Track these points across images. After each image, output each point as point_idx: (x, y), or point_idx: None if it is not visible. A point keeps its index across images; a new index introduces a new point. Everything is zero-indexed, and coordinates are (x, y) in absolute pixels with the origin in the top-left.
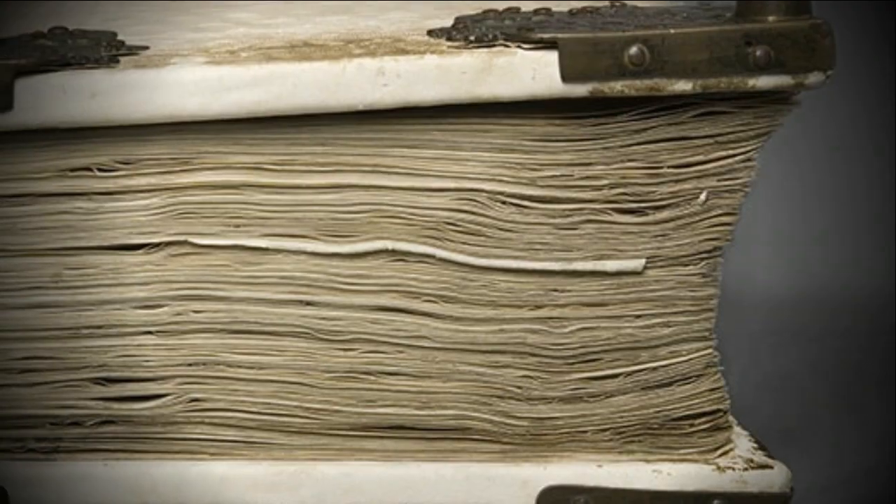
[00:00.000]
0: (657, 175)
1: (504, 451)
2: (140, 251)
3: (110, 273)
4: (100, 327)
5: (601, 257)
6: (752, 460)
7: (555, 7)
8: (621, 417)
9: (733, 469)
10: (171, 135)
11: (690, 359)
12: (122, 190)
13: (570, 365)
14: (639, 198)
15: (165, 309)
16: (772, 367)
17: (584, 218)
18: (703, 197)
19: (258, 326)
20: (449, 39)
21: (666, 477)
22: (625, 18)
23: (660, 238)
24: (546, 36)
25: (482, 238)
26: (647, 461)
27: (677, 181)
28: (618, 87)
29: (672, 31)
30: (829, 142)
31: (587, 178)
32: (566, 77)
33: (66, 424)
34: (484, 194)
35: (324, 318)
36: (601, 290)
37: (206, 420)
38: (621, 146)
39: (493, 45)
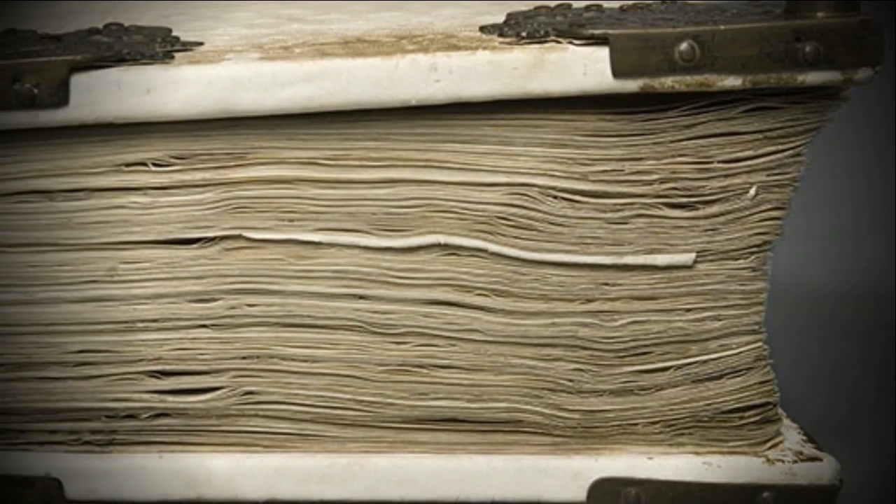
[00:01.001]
0: (707, 170)
1: (555, 444)
2: (195, 245)
3: (165, 267)
4: (155, 321)
5: (652, 251)
6: (801, 453)
7: (606, 3)
8: (671, 410)
9: (783, 461)
10: (225, 130)
11: (740, 352)
12: (177, 185)
13: (620, 358)
14: (689, 192)
15: (220, 303)
16: (821, 360)
17: (634, 212)
18: (752, 192)
19: (312, 320)
20: (501, 35)
21: (716, 469)
22: (675, 14)
23: (710, 232)
24: (597, 32)
25: (534, 232)
26: (698, 454)
27: (727, 176)
28: (668, 82)
29: (722, 27)
30: (879, 136)
31: (638, 172)
32: (617, 73)
33: (122, 417)
34: (535, 189)
35: (377, 312)
36: (652, 284)
37: (260, 413)
38: (671, 141)
39: (545, 41)
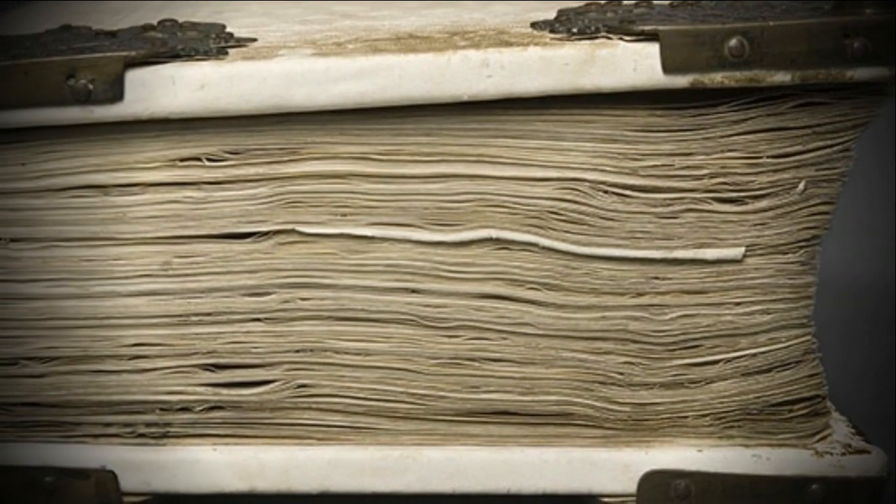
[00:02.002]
0: (756, 165)
1: (606, 437)
2: (248, 240)
3: (219, 261)
4: (209, 314)
5: (701, 245)
6: (849, 445)
7: (656, 0)
8: (721, 403)
9: (831, 454)
10: (278, 125)
11: (789, 345)
12: (231, 179)
13: (670, 351)
14: (738, 187)
15: (273, 296)
16: (869, 354)
17: (684, 207)
18: (801, 186)
19: (364, 314)
20: (552, 31)
21: (765, 462)
22: (724, 11)
23: (759, 227)
24: (647, 28)
25: (584, 227)
26: (747, 446)
27: (776, 171)
28: (718, 78)
29: (771, 23)
30: None
31: (688, 167)
32: (667, 68)
33: (176, 410)
34: (586, 184)
35: (429, 306)
36: (701, 278)
37: (314, 406)
38: (721, 136)
39: (596, 37)
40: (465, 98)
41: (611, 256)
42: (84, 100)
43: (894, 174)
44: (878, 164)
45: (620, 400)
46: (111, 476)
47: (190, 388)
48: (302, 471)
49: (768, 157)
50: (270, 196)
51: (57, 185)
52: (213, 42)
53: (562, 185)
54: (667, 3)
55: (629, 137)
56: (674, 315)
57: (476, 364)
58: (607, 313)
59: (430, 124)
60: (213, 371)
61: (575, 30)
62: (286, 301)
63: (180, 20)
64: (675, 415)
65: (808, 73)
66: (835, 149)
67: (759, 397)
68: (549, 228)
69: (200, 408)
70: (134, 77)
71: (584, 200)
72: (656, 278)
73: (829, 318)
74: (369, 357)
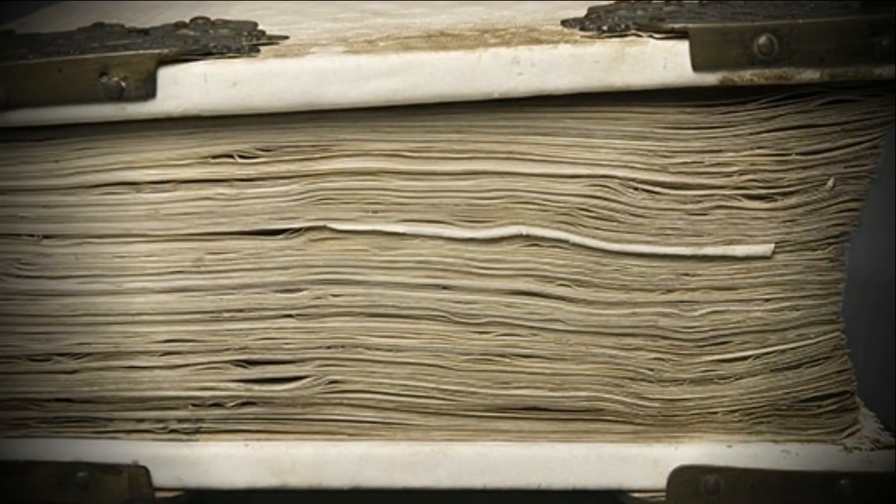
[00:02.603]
0: (785, 162)
1: (636, 432)
2: (280, 236)
3: (251, 258)
4: (241, 311)
5: (731, 242)
6: (878, 441)
7: None
8: (750, 399)
9: (860, 449)
10: (310, 122)
11: (818, 341)
12: (263, 176)
13: (700, 347)
14: (768, 184)
15: (305, 293)
16: None
17: (714, 204)
18: (830, 183)
19: (395, 310)
20: (582, 29)
21: (794, 457)
22: (754, 8)
23: (788, 223)
24: (677, 26)
25: (615, 223)
26: (776, 442)
27: (805, 168)
28: (747, 75)
29: (800, 21)
30: None
31: (717, 164)
32: (697, 66)
33: (208, 406)
34: (616, 181)
35: (460, 302)
36: (731, 275)
37: (345, 401)
38: (750, 133)
39: (626, 35)
40: (496, 95)
41: (641, 253)
42: (117, 97)
43: None
44: None
45: (650, 396)
46: (143, 471)
47: (222, 384)
48: (333, 466)
49: (797, 154)
50: (302, 193)
51: (89, 182)
52: (244, 40)
53: (592, 182)
54: (696, 0)
55: (659, 134)
56: (703, 311)
57: (506, 360)
58: (637, 310)
59: (460, 121)
60: (244, 367)
61: (605, 27)
62: (318, 297)
63: (212, 18)
64: (704, 410)
65: (836, 70)
66: (863, 146)
67: (788, 393)
68: (580, 225)
69: (232, 404)
70: (166, 74)
71: (614, 197)
72: (686, 275)
73: (857, 314)
74: (400, 353)
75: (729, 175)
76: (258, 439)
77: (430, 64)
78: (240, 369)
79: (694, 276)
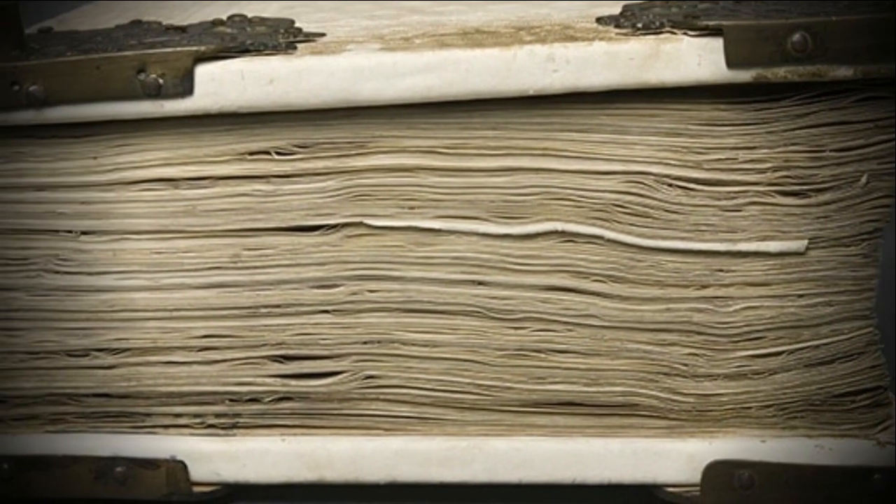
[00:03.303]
0: (819, 158)
1: (670, 427)
2: (316, 232)
3: (288, 254)
4: (277, 306)
5: (765, 238)
6: None
7: None
8: (784, 394)
9: (893, 444)
10: (346, 119)
11: (851, 337)
12: (300, 173)
13: (734, 343)
14: (801, 180)
15: (341, 288)
16: None
17: (748, 200)
18: (863, 179)
19: (431, 305)
20: (617, 27)
21: (828, 452)
22: (788, 6)
23: (822, 220)
24: (711, 23)
25: (649, 220)
26: (810, 436)
27: (839, 164)
28: (781, 72)
29: (834, 18)
30: None
31: (751, 161)
32: (731, 63)
33: (245, 401)
34: (651, 177)
35: (495, 298)
36: (765, 271)
37: (381, 396)
38: (784, 130)
39: (660, 32)
40: (531, 92)
41: (675, 249)
42: (154, 94)
43: None
44: None
45: (685, 391)
46: (181, 466)
47: (259, 380)
48: (370, 461)
49: (831, 150)
50: (338, 189)
51: (127, 179)
52: (281, 37)
53: (627, 178)
54: None
55: (693, 131)
56: (738, 307)
57: (542, 355)
58: (672, 305)
59: (496, 118)
60: (281, 362)
61: (640, 25)
62: (354, 293)
63: (250, 15)
64: (738, 405)
65: (870, 67)
66: None
67: (821, 388)
68: (615, 221)
69: (269, 399)
70: (204, 72)
71: (648, 193)
72: (720, 270)
73: (890, 309)
74: (436, 348)
75: (763, 171)
76: (295, 434)
77: (465, 61)
78: (277, 364)
79: (728, 271)
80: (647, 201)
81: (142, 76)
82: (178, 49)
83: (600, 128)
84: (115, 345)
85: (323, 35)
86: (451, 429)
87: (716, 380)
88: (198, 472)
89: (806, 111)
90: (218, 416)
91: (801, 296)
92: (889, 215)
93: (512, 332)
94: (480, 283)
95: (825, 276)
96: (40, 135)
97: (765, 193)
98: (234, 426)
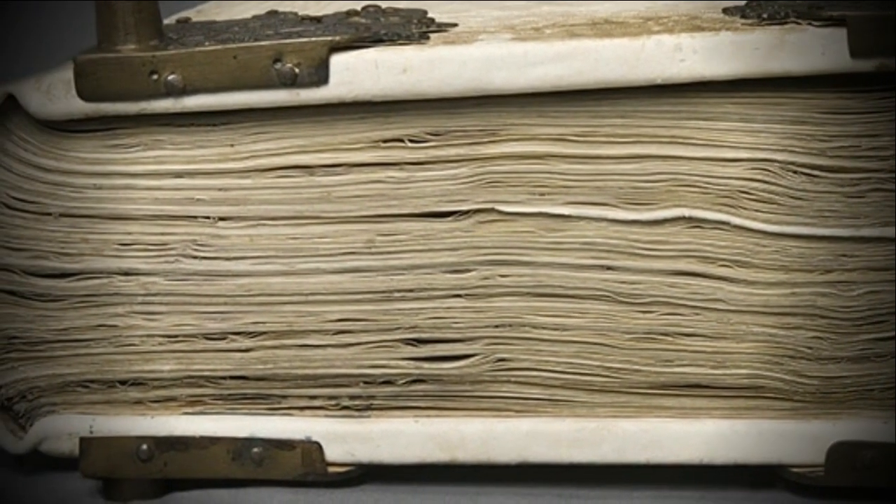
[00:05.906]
0: None
1: (795, 409)
2: (449, 218)
3: (421, 239)
4: (411, 291)
5: (887, 224)
6: None
7: None
8: None
9: None
10: (478, 107)
11: None
12: (433, 160)
13: (857, 326)
14: None
15: (473, 273)
16: None
17: (871, 186)
18: None
19: (561, 290)
20: (743, 17)
21: None
22: None
23: None
24: (835, 14)
25: (774, 206)
26: None
27: None
28: None
29: None
30: None
31: (874, 148)
32: (854, 52)
33: (379, 383)
34: (776, 164)
35: (624, 282)
36: (887, 255)
37: (512, 379)
38: None
39: (785, 23)
40: (659, 81)
41: (800, 234)
42: (290, 83)
43: None
44: None
45: (809, 373)
46: (317, 447)
47: (393, 362)
48: (501, 442)
49: None
50: (470, 176)
51: (264, 166)
52: (414, 27)
53: (752, 165)
54: None
55: (818, 119)
56: (861, 291)
57: (669, 339)
58: (796, 290)
59: (624, 107)
60: (415, 345)
61: (765, 15)
62: (486, 278)
63: (383, 6)
64: (861, 388)
65: None
66: None
67: None
68: (741, 207)
69: (403, 381)
70: (338, 61)
71: (774, 180)
72: (844, 255)
73: None
74: (566, 332)
75: (885, 159)
76: (428, 416)
77: (595, 51)
78: (410, 347)
79: (851, 256)
80: (773, 188)
81: (278, 65)
82: (314, 39)
83: (726, 116)
84: (252, 328)
85: (455, 25)
86: (580, 410)
87: (839, 362)
88: (333, 452)
89: None
90: (352, 398)
91: None
92: None
93: (640, 315)
94: (609, 268)
95: None
96: (178, 123)
97: (887, 180)
98: (369, 408)
